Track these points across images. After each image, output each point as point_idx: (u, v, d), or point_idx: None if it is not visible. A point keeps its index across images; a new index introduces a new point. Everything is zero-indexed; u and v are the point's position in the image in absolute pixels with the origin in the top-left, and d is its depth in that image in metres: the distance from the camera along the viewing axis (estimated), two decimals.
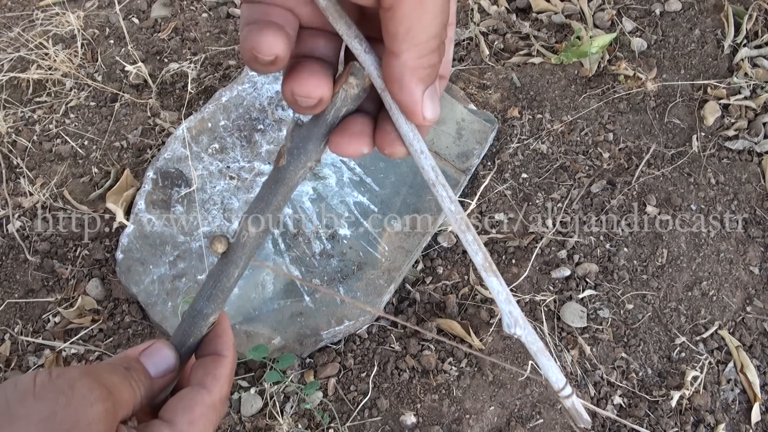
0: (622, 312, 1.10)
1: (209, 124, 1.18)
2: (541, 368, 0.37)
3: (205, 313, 0.42)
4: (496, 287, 0.35)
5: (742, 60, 1.33)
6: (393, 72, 0.30)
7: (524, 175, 1.22)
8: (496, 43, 1.39)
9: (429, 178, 0.34)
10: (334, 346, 1.07)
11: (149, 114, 1.30)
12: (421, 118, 0.32)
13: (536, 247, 1.14)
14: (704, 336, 1.08)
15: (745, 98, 1.29)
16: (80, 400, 0.32)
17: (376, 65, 0.32)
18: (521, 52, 1.38)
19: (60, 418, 0.31)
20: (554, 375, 0.37)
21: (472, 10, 1.43)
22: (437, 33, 0.29)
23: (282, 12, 0.33)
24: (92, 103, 1.32)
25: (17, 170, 1.24)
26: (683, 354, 1.07)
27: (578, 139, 1.26)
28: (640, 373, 1.05)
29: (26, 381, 0.33)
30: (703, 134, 1.26)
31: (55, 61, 1.33)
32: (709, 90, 1.30)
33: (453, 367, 1.04)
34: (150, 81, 1.33)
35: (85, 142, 1.27)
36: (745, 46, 1.35)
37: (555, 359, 0.42)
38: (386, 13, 0.29)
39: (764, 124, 1.26)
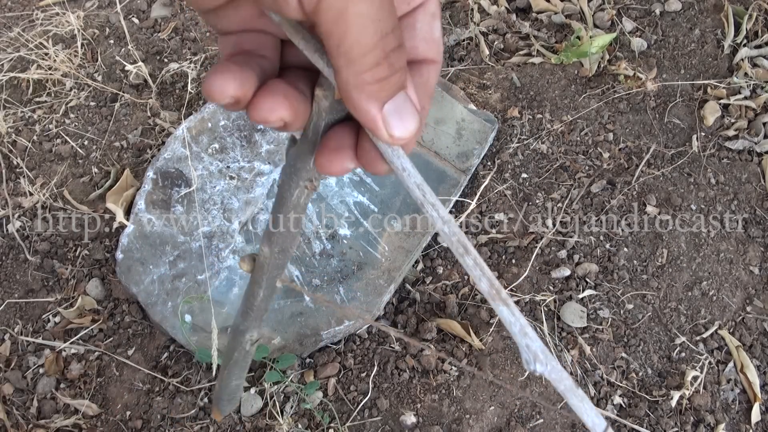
0: (622, 312, 1.10)
1: (209, 124, 1.18)
2: (574, 410, 0.30)
3: (240, 329, 0.44)
4: (508, 318, 0.29)
5: (742, 60, 1.33)
6: (341, 90, 0.27)
7: (524, 175, 1.22)
8: (496, 43, 1.39)
9: (417, 198, 0.30)
10: (334, 346, 1.07)
11: (149, 114, 1.30)
12: (386, 137, 0.28)
13: (536, 247, 1.14)
14: (704, 336, 1.08)
15: (745, 98, 1.29)
16: None
17: None
18: (521, 52, 1.38)
19: None
20: (590, 419, 0.30)
21: (472, 10, 1.43)
22: (373, 45, 0.25)
23: (255, 36, 0.31)
24: (92, 103, 1.32)
25: (17, 170, 1.24)
26: (683, 354, 1.07)
27: (578, 139, 1.26)
28: (640, 373, 1.05)
29: None
30: (703, 134, 1.26)
31: (55, 61, 1.33)
32: (709, 90, 1.30)
33: (453, 367, 1.04)
34: (150, 81, 1.33)
35: (85, 142, 1.27)
36: (745, 46, 1.35)
37: (587, 397, 0.33)
38: (314, 28, 0.26)
39: (764, 124, 1.26)
